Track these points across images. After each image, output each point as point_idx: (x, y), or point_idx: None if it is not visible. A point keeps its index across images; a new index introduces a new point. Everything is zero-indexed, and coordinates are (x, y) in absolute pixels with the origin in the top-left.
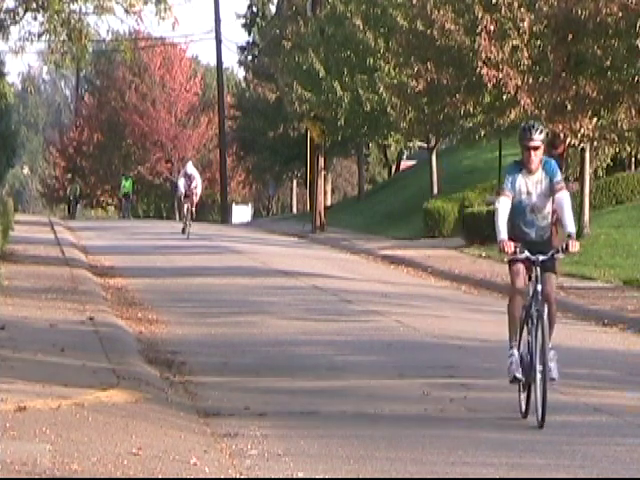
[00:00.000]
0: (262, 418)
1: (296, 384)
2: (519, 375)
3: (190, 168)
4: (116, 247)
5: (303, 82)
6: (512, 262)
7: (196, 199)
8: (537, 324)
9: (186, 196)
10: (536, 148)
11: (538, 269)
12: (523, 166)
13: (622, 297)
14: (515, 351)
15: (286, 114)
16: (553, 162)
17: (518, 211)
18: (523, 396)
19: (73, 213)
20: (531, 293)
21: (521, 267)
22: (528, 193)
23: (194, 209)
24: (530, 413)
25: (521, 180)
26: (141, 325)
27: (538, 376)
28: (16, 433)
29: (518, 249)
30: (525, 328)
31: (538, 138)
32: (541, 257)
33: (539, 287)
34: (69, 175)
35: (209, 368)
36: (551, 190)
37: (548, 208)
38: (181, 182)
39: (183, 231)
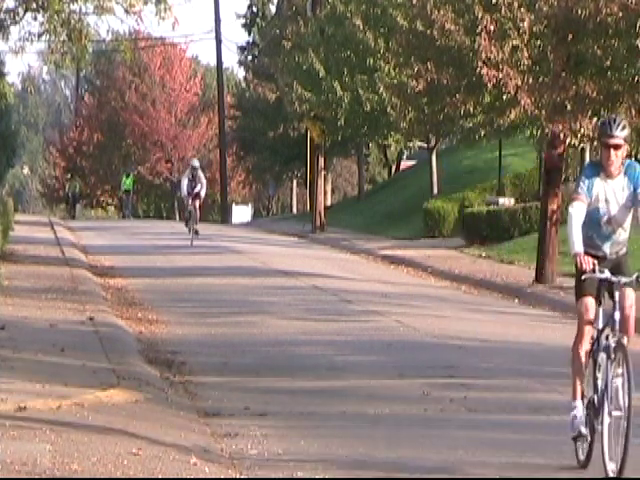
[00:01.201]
0: (262, 418)
1: (296, 384)
2: (585, 430)
3: (195, 166)
4: (116, 247)
5: (303, 82)
6: (582, 288)
7: (199, 201)
8: (616, 357)
9: (190, 198)
10: (617, 147)
11: (617, 293)
12: (602, 168)
13: None
14: (579, 403)
15: (286, 114)
16: (639, 166)
17: (592, 221)
18: (585, 445)
19: (73, 212)
20: (605, 321)
21: (590, 301)
22: (606, 201)
23: (198, 214)
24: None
25: (599, 185)
26: (141, 325)
27: (607, 420)
28: (16, 433)
29: (597, 267)
30: (590, 366)
31: (620, 135)
32: (623, 279)
33: (617, 314)
34: (69, 175)
35: (209, 368)
36: (633, 201)
37: (629, 221)
38: (185, 182)
39: (189, 231)
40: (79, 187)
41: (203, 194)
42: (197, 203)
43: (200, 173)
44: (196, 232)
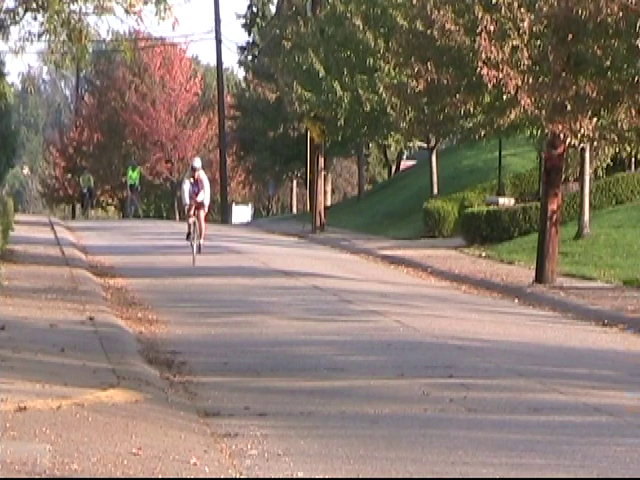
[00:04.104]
0: (262, 418)
1: (296, 384)
2: None
3: (196, 167)
4: (116, 247)
5: (303, 82)
6: None
7: (204, 211)
8: None
9: (193, 207)
10: None
11: None
12: None
13: (622, 297)
14: None
15: (286, 114)
16: None
17: None
18: None
19: (87, 208)
20: None
21: None
22: None
23: (203, 226)
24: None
25: None
26: (141, 325)
27: None
28: (16, 433)
29: None
30: None
31: None
32: None
33: None
34: (69, 175)
35: (209, 368)
36: None
37: None
38: (186, 187)
39: (192, 247)
40: (92, 181)
41: (207, 202)
42: (201, 214)
43: (202, 175)
44: (199, 249)
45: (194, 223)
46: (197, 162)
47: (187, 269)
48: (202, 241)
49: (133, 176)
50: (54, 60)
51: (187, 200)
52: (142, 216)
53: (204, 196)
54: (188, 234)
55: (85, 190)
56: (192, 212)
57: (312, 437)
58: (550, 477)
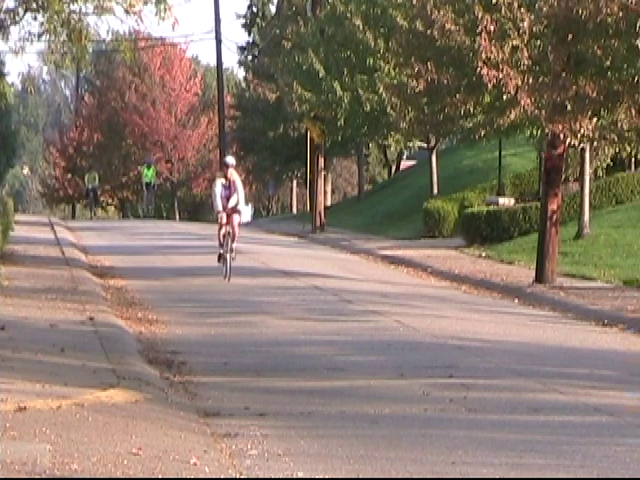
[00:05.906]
0: (262, 418)
1: (296, 384)
2: None
3: (230, 163)
4: (116, 247)
5: (303, 82)
6: None
7: (239, 219)
8: None
9: (226, 215)
10: None
11: None
12: None
13: (622, 297)
14: None
15: (286, 114)
16: None
17: None
18: None
19: (91, 207)
20: None
21: None
22: None
23: (237, 232)
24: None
25: None
26: (141, 325)
27: None
28: (16, 433)
29: None
30: None
31: None
32: None
33: None
34: (69, 175)
35: (209, 368)
36: None
37: None
38: (218, 190)
39: (219, 259)
40: (97, 178)
41: (243, 208)
42: (235, 219)
43: (236, 175)
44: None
45: (228, 233)
46: (231, 159)
47: (187, 269)
48: (234, 254)
49: (149, 174)
50: (54, 60)
51: (219, 207)
52: (142, 216)
53: (237, 199)
54: (220, 246)
55: (90, 188)
56: (225, 220)
57: (312, 437)
58: (550, 477)
